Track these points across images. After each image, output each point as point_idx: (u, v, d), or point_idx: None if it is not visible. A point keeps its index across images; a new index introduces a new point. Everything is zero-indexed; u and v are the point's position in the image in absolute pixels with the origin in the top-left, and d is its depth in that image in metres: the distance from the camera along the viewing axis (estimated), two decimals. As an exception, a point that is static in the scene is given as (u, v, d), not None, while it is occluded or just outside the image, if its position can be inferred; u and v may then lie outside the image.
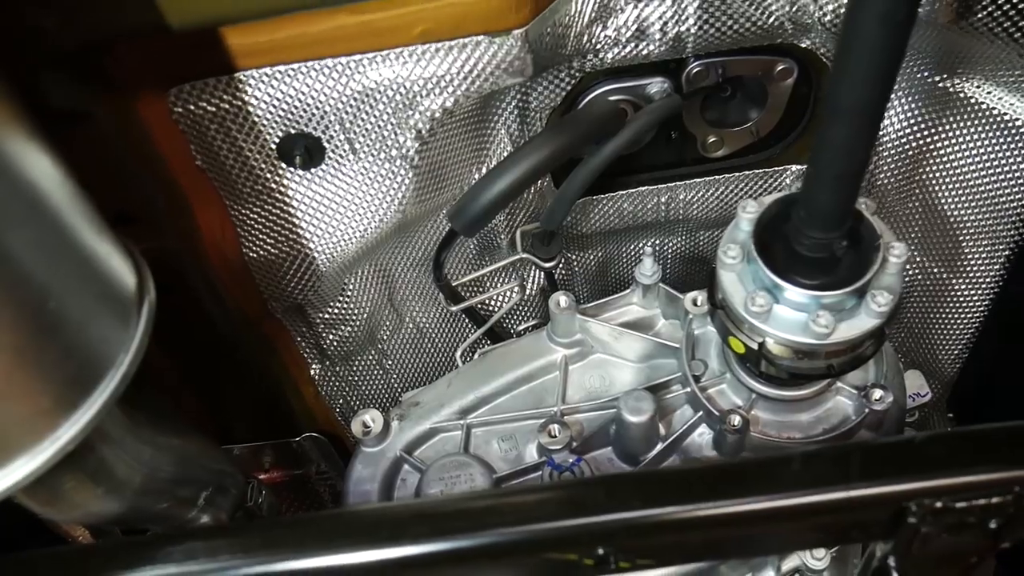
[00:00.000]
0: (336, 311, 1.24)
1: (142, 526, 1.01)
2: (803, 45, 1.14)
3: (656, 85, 1.19)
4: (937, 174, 1.24)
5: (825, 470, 0.65)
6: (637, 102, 1.19)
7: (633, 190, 1.31)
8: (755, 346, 0.98)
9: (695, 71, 1.17)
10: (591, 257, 1.46)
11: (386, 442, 1.18)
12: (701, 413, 1.13)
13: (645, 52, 1.09)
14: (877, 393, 1.08)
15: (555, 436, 1.13)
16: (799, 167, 1.30)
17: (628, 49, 1.08)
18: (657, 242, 1.45)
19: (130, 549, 0.70)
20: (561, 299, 1.19)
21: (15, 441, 0.67)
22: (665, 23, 1.05)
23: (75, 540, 1.19)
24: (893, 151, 1.25)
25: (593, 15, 1.02)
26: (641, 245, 1.45)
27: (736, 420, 1.07)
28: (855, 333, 0.93)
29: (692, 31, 1.06)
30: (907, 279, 1.40)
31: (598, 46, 1.07)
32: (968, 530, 0.66)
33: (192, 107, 0.95)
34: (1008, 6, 0.96)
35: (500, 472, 1.16)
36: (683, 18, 1.05)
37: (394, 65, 0.95)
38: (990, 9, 0.97)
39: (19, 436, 0.67)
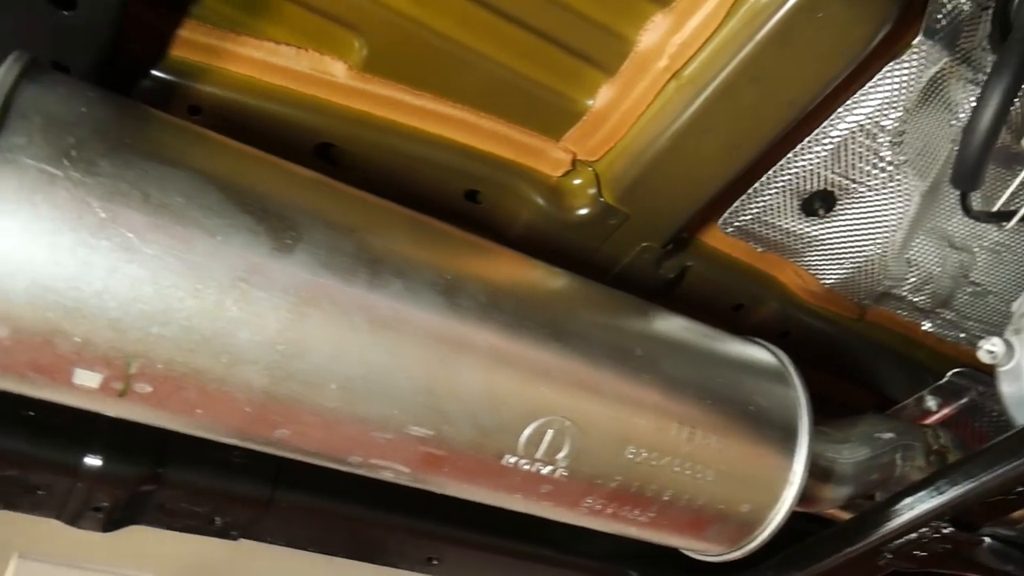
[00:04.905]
0: (913, 280, 1.51)
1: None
2: None
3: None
4: None
5: None
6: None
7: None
8: None
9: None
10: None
11: (1015, 358, 1.39)
12: None
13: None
14: None
15: None
16: None
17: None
18: None
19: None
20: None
21: (776, 486, 1.13)
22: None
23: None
24: None
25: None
26: None
27: None
28: None
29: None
30: None
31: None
32: None
33: (736, 224, 1.36)
34: None
35: None
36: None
37: (843, 119, 1.24)
38: None
39: (776, 483, 1.12)
